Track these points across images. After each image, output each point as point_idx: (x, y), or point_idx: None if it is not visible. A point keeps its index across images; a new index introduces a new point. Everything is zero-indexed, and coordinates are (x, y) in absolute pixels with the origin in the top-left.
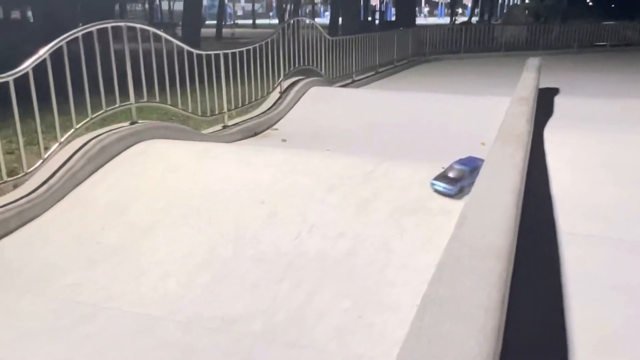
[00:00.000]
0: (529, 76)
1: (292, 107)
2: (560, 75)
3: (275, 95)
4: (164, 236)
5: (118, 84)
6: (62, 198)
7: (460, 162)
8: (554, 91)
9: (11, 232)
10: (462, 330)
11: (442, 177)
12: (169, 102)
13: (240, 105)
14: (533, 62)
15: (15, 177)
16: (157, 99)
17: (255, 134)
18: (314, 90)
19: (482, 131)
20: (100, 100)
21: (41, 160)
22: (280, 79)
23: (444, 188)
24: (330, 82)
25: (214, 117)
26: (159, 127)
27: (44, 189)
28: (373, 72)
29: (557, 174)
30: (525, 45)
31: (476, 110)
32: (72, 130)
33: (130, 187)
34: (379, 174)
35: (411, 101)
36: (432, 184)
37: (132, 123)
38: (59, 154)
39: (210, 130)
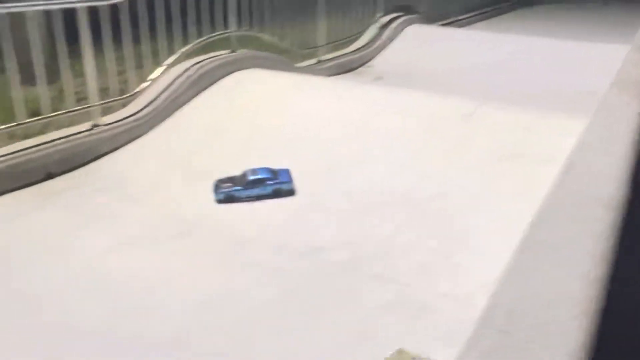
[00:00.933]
0: None
1: (388, 45)
2: None
3: (372, 31)
4: (257, 163)
5: (220, 13)
6: (165, 119)
7: (253, 171)
8: None
9: (121, 146)
10: (564, 274)
11: (225, 179)
12: (267, 33)
13: (336, 40)
14: None
15: (123, 96)
16: (255, 29)
17: (350, 70)
18: (413, 29)
19: (591, 81)
20: (202, 28)
21: (147, 82)
22: (379, 14)
23: (213, 190)
24: (430, 20)
25: (309, 50)
26: (256, 57)
27: (149, 109)
28: (476, 13)
29: None
30: None
31: (586, 58)
32: (176, 55)
33: (227, 114)
34: (478, 117)
35: (514, 45)
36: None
37: (232, 52)
38: (163, 77)
39: (305, 63)
